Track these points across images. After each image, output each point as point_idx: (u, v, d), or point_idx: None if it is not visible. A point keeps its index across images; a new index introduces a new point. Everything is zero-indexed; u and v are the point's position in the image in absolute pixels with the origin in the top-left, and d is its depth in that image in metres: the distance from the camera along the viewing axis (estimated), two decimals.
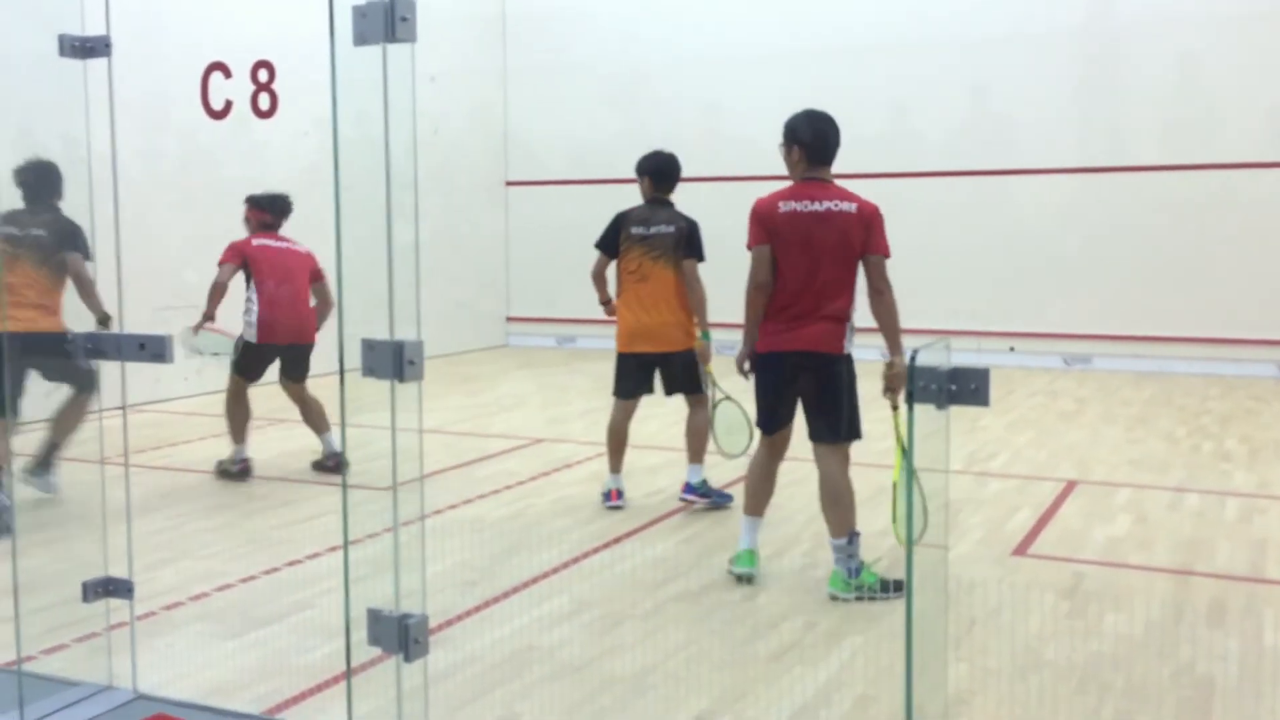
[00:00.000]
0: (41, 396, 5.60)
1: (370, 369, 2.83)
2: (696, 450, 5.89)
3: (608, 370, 11.63)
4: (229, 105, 8.64)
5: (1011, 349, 10.94)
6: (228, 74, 8.50)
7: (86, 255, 5.41)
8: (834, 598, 4.47)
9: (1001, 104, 11.23)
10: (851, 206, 4.52)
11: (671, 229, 5.81)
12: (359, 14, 2.72)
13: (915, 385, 2.35)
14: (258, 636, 4.13)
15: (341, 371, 3.35)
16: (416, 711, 2.92)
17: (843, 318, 4.51)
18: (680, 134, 12.24)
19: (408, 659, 2.84)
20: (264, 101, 8.56)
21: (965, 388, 2.35)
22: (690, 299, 5.80)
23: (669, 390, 5.98)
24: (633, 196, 12.93)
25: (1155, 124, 10.78)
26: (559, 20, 12.94)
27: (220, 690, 3.65)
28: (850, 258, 4.50)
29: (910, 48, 11.33)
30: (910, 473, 3.07)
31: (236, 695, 3.61)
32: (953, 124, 11.33)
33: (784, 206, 4.55)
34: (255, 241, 6.74)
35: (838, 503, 4.54)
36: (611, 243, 5.95)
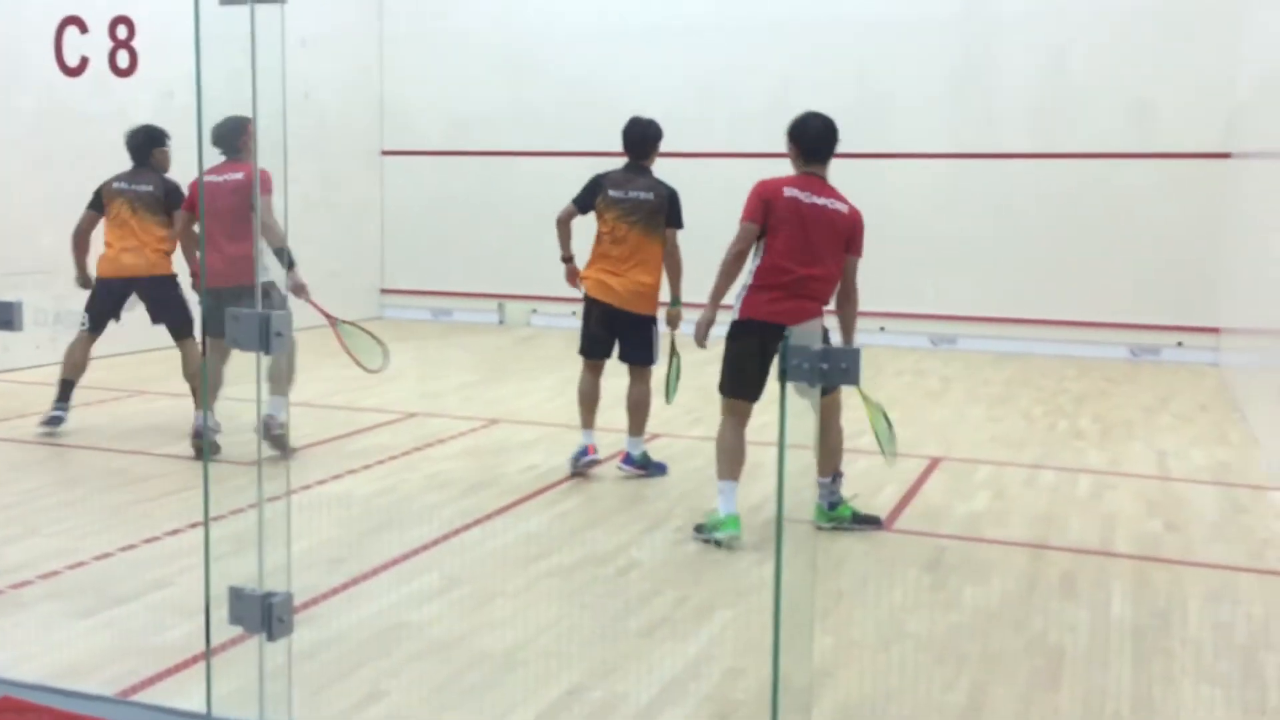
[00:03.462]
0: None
1: (235, 340, 2.73)
2: (638, 424, 5.95)
3: (484, 344, 11.49)
4: (85, 62, 8.23)
5: (882, 329, 11.20)
6: (83, 29, 8.09)
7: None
8: (818, 528, 5.07)
9: (879, 87, 11.42)
10: (844, 208, 5.02)
11: (650, 195, 5.85)
12: None
13: (788, 364, 2.37)
14: (112, 616, 3.98)
15: (205, 341, 3.25)
16: (279, 691, 2.85)
17: (824, 301, 5.02)
18: (559, 107, 12.19)
19: (270, 638, 2.77)
20: (123, 59, 8.18)
21: (836, 367, 2.39)
22: (669, 267, 5.91)
23: (623, 356, 5.96)
24: (511, 169, 12.78)
25: (1024, 113, 11.13)
26: None
27: (72, 671, 3.51)
28: (835, 254, 5.00)
29: (790, 28, 11.42)
30: (781, 449, 3.11)
31: (89, 676, 3.48)
32: (830, 106, 11.47)
33: (788, 192, 4.96)
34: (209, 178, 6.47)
35: (833, 449, 5.13)
36: (587, 203, 5.96)
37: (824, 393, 4.97)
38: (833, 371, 2.43)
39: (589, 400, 6.02)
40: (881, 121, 11.41)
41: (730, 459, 5.00)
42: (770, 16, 11.45)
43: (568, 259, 6.12)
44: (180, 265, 6.77)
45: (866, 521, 5.17)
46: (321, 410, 7.49)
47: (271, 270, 6.18)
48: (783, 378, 2.42)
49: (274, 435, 6.13)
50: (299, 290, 6.28)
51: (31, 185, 8.70)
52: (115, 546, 4.72)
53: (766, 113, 11.47)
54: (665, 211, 5.88)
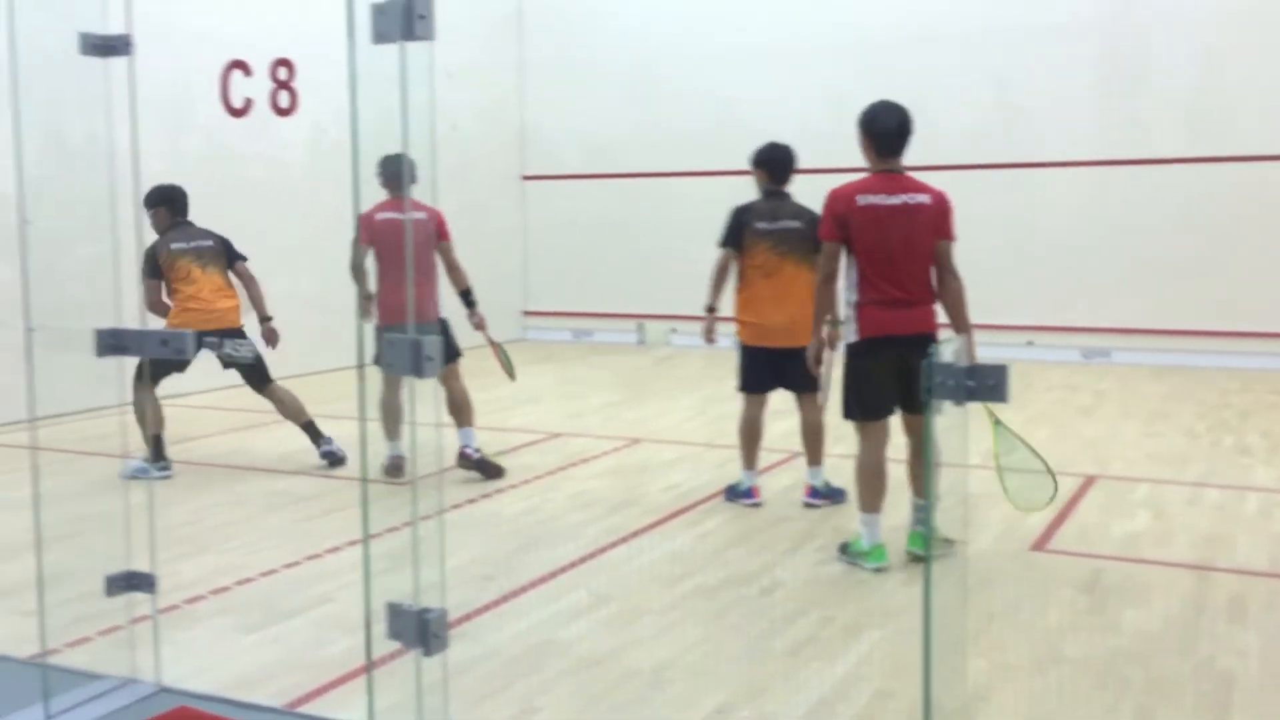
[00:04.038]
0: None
1: (389, 365, 2.84)
2: (815, 452, 5.80)
3: (625, 364, 11.59)
4: (249, 103, 8.65)
5: (1030, 343, 10.89)
6: (248, 72, 8.51)
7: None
8: (914, 557, 4.76)
9: (1021, 96, 11.17)
10: (926, 198, 4.70)
11: (798, 223, 5.70)
12: (377, 11, 2.72)
13: (934, 381, 2.35)
14: (279, 630, 4.17)
15: (360, 365, 3.40)
16: (436, 705, 2.94)
17: (933, 301, 4.75)
18: (695, 128, 12.27)
19: (427, 653, 2.85)
20: (284, 99, 8.56)
21: (984, 384, 2.34)
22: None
23: (790, 385, 5.83)
24: (647, 191, 12.83)
25: (1176, 116, 10.72)
26: (575, 15, 12.96)
27: (242, 683, 3.69)
28: (927, 249, 4.71)
29: (926, 40, 11.29)
30: (928, 468, 3.07)
31: (258, 688, 3.65)
32: (970, 118, 11.28)
33: (861, 200, 4.68)
34: (378, 215, 6.29)
35: (923, 465, 4.76)
36: (738, 239, 5.76)
37: (912, 410, 4.79)
38: (979, 389, 2.38)
39: (754, 436, 5.86)
40: (1023, 130, 11.15)
41: (872, 490, 4.80)
42: (902, 28, 11.33)
43: (712, 309, 5.90)
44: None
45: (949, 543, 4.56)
46: None
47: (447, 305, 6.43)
48: (928, 396, 2.40)
49: (474, 462, 6.37)
50: (480, 326, 6.49)
51: (196, 220, 9.18)
52: (280, 563, 4.93)
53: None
54: (814, 238, 5.75)
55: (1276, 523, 5.48)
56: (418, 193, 5.79)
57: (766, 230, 5.72)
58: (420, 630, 2.83)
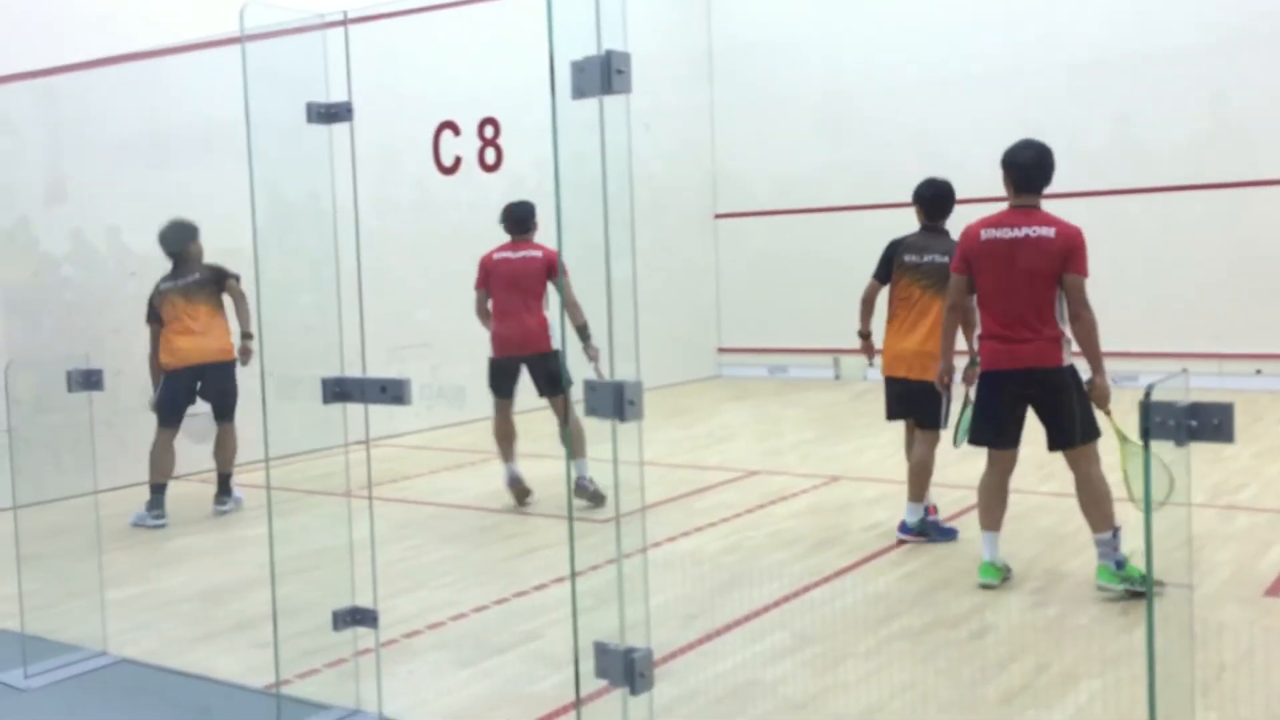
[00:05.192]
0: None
1: (592, 409, 2.92)
2: (917, 489, 5.76)
3: (821, 400, 11.49)
4: (458, 161, 9.11)
5: (1258, 371, 10.19)
6: (457, 131, 8.96)
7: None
8: (1102, 589, 4.72)
9: (1238, 113, 10.55)
10: (1050, 231, 4.77)
11: (946, 259, 5.68)
12: (577, 69, 2.84)
13: (1151, 421, 2.25)
14: (491, 665, 4.31)
15: (567, 400, 3.51)
16: None
17: (1055, 335, 4.80)
18: (889, 159, 12.10)
19: (634, 692, 2.90)
20: (490, 156, 8.98)
21: (1207, 424, 2.23)
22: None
23: (914, 418, 5.91)
24: (840, 224, 12.82)
25: None
26: (765, 53, 13.00)
27: (457, 716, 3.83)
28: (1048, 282, 4.76)
29: (1132, 57, 10.81)
30: (1147, 508, 2.93)
31: None
32: (1186, 135, 10.72)
33: (985, 234, 4.90)
34: (495, 255, 6.95)
35: (1097, 501, 4.77)
36: (886, 272, 5.94)
37: (1069, 445, 4.81)
38: (1202, 428, 2.27)
39: (912, 469, 5.97)
40: (1242, 146, 10.52)
41: (987, 510, 5.02)
42: (1106, 46, 10.88)
43: (864, 335, 6.16)
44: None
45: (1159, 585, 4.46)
46: (667, 469, 7.77)
47: (556, 339, 6.74)
48: (1145, 437, 2.29)
49: (589, 493, 6.49)
50: (594, 359, 6.66)
51: (406, 269, 9.67)
52: (490, 599, 5.10)
53: (1105, 150, 10.90)
54: None
55: None
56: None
57: (914, 264, 5.83)
58: (626, 669, 2.89)
